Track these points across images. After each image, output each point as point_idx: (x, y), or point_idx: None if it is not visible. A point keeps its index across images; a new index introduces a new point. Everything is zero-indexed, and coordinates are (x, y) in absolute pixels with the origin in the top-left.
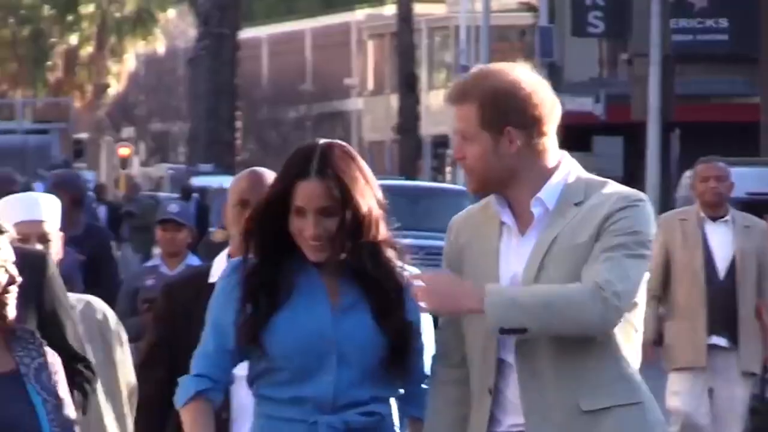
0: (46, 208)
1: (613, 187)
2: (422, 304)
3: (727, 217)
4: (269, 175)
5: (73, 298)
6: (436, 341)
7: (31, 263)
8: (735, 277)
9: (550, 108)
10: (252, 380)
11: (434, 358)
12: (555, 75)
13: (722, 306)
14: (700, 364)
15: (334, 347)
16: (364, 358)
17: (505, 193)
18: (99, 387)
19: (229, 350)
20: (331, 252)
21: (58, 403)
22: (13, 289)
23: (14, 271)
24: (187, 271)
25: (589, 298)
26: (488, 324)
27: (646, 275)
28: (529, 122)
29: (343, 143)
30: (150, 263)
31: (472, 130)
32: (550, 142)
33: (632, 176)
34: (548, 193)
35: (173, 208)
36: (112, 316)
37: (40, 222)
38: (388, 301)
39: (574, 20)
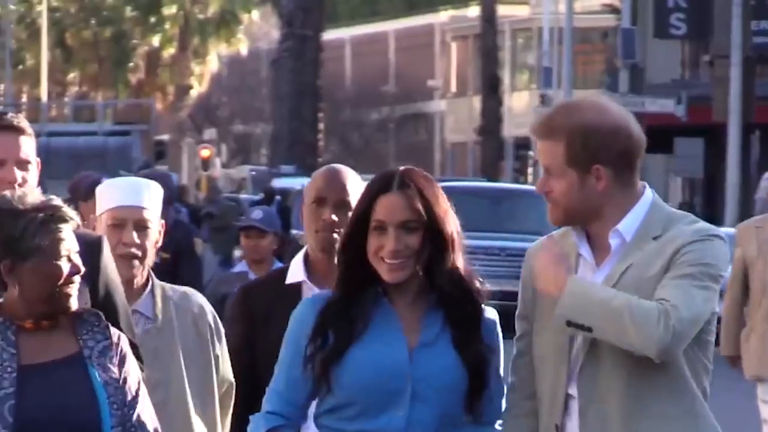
0: (148, 195)
1: (692, 223)
2: (536, 273)
3: None
4: (346, 172)
5: (169, 288)
6: (511, 372)
7: (86, 246)
8: None
9: (637, 142)
10: (318, 417)
11: (509, 389)
12: (637, 76)
13: None
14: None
15: (408, 385)
16: (442, 396)
17: (587, 226)
18: (187, 380)
19: (301, 386)
20: (410, 273)
21: (121, 385)
22: (77, 279)
23: (78, 261)
24: (265, 274)
25: (654, 318)
26: (557, 311)
27: (714, 307)
28: (616, 159)
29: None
30: (237, 269)
31: (559, 167)
32: (635, 175)
33: (713, 177)
34: (627, 225)
35: (257, 214)
36: (209, 310)
37: (141, 208)
38: (467, 327)
39: (656, 22)
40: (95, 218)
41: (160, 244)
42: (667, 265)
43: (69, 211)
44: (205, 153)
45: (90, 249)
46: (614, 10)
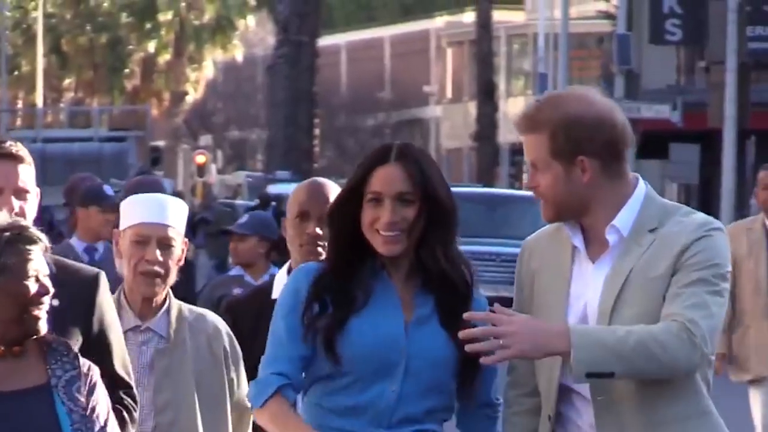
0: (173, 212)
1: (688, 214)
2: (510, 348)
3: None
4: (329, 186)
5: (186, 308)
6: (510, 369)
7: (81, 282)
8: None
9: (622, 131)
10: (308, 387)
11: (507, 385)
12: (632, 82)
13: None
14: (766, 374)
15: (403, 359)
16: (434, 373)
17: (580, 219)
18: (198, 402)
19: (300, 352)
20: (405, 247)
21: (88, 414)
22: (46, 301)
23: (48, 283)
24: (250, 289)
25: (676, 340)
26: (574, 368)
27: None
28: (601, 149)
29: None
30: (233, 272)
31: (544, 160)
32: (623, 166)
33: (708, 183)
34: (623, 219)
35: (241, 219)
36: (226, 332)
37: (165, 226)
38: (458, 308)
39: (651, 28)
40: (118, 233)
41: (182, 262)
42: (673, 264)
43: (37, 232)
44: (200, 159)
45: (85, 285)
46: (609, 16)
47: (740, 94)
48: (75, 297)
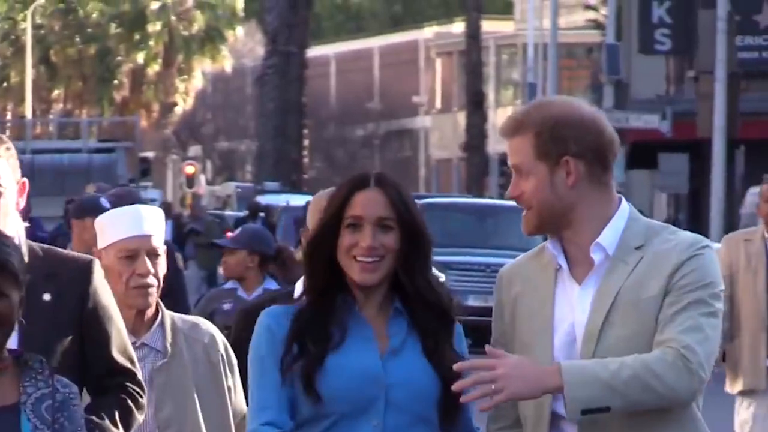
0: (153, 222)
1: (676, 233)
2: (503, 392)
3: None
4: None
5: (178, 318)
6: None
7: (73, 271)
8: None
9: (610, 140)
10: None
11: (489, 419)
12: (622, 92)
13: None
14: (759, 387)
15: (383, 392)
16: (416, 403)
17: (563, 235)
18: (201, 415)
19: (285, 396)
20: (382, 276)
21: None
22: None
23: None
24: (264, 296)
25: (672, 369)
26: (569, 406)
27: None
28: (587, 151)
29: None
30: (228, 285)
31: (528, 163)
32: (609, 177)
33: (697, 193)
34: (608, 237)
35: (235, 233)
36: (220, 339)
37: (149, 236)
38: (437, 336)
39: (641, 38)
40: (99, 252)
41: (165, 271)
42: (665, 285)
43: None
44: (189, 170)
45: (78, 273)
46: (599, 26)
47: (729, 103)
48: (66, 288)
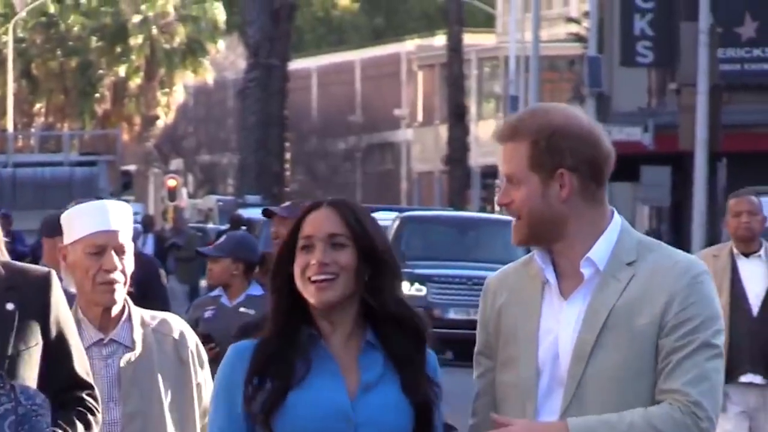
0: (120, 217)
1: (671, 253)
2: None
3: (760, 252)
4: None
5: (148, 314)
6: (472, 414)
7: (33, 283)
8: None
9: (607, 153)
10: None
11: (469, 428)
12: (603, 105)
13: (757, 342)
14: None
15: (351, 430)
16: None
17: (552, 247)
18: (167, 410)
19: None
20: (338, 296)
21: None
22: None
23: None
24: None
25: (683, 430)
26: None
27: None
28: (583, 165)
29: None
30: (214, 293)
31: (521, 171)
32: (602, 192)
33: (679, 206)
34: (599, 252)
35: (219, 241)
36: (191, 336)
37: (116, 232)
38: (413, 366)
39: (622, 50)
40: (65, 248)
41: (132, 267)
42: (661, 314)
43: None
44: (171, 183)
45: (37, 286)
46: (580, 38)
47: (711, 116)
48: (28, 299)
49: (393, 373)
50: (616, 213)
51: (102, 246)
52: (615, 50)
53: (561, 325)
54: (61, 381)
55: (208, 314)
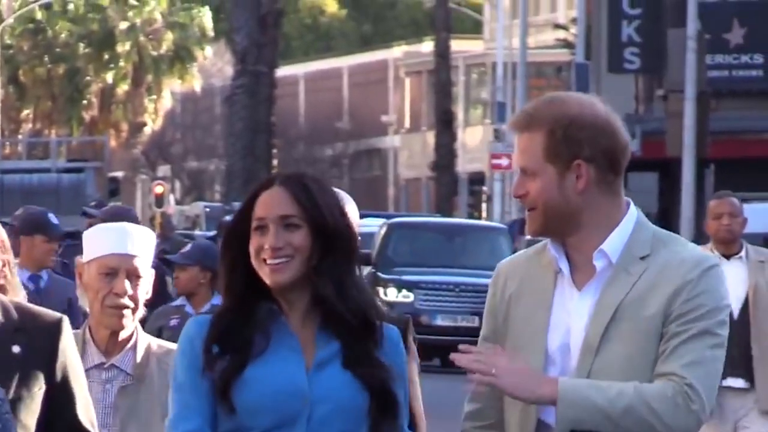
0: (139, 241)
1: (683, 247)
2: (499, 378)
3: (741, 254)
4: (341, 195)
5: (155, 343)
6: (469, 400)
7: (43, 327)
8: (749, 315)
9: (624, 144)
10: None
11: (467, 416)
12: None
13: (737, 346)
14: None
15: (306, 407)
16: (342, 420)
17: (566, 239)
18: None
19: (207, 406)
20: (294, 276)
21: None
22: None
23: None
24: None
25: (671, 407)
26: (558, 423)
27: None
28: (600, 156)
29: None
30: (176, 302)
31: (537, 162)
32: (619, 183)
33: (666, 212)
34: (613, 244)
35: (185, 248)
36: None
37: (131, 256)
38: (361, 345)
39: (610, 57)
40: (81, 265)
41: (150, 294)
42: (667, 304)
43: None
44: (158, 190)
45: (47, 331)
46: (568, 44)
47: (699, 122)
48: (37, 343)
49: (343, 352)
50: (632, 205)
51: (114, 269)
52: (602, 56)
53: (572, 317)
54: (61, 428)
55: (173, 323)
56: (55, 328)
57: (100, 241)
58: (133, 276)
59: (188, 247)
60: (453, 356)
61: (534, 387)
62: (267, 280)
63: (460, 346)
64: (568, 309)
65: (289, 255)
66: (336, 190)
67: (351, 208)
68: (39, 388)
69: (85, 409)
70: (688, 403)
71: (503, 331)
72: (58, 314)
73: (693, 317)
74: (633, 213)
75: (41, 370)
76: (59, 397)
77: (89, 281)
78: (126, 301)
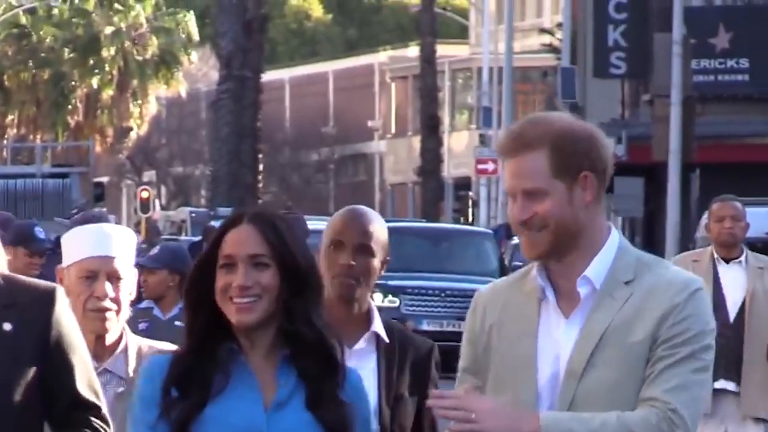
0: (119, 242)
1: (667, 270)
2: (481, 424)
3: (741, 258)
4: (369, 215)
5: (145, 344)
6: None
7: (35, 299)
8: (744, 320)
9: (608, 153)
10: None
11: None
12: (577, 116)
13: (731, 349)
14: (705, 411)
15: None
16: None
17: (559, 262)
18: None
19: None
20: (261, 317)
21: None
22: None
23: None
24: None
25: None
26: None
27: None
28: (600, 167)
29: None
30: (143, 305)
31: (544, 182)
32: (603, 198)
33: (652, 216)
34: (596, 270)
35: (152, 251)
36: None
37: (111, 258)
38: (322, 384)
39: (596, 61)
40: (62, 271)
41: (134, 296)
42: (654, 330)
43: None
44: (144, 195)
45: (40, 302)
46: (554, 49)
47: (685, 127)
48: (28, 315)
49: (303, 390)
50: (613, 229)
51: (94, 271)
52: (588, 61)
53: (561, 345)
54: (63, 400)
55: (142, 326)
56: (49, 298)
57: (78, 244)
58: (114, 278)
59: (156, 249)
60: (429, 403)
61: (516, 425)
62: (232, 319)
63: (434, 392)
64: (556, 337)
65: (257, 294)
66: (364, 208)
67: (378, 228)
68: (34, 365)
69: (87, 380)
70: (672, 428)
71: (485, 361)
72: (51, 284)
73: (679, 341)
74: (615, 237)
75: (34, 344)
76: (56, 370)
77: (70, 286)
78: (108, 303)
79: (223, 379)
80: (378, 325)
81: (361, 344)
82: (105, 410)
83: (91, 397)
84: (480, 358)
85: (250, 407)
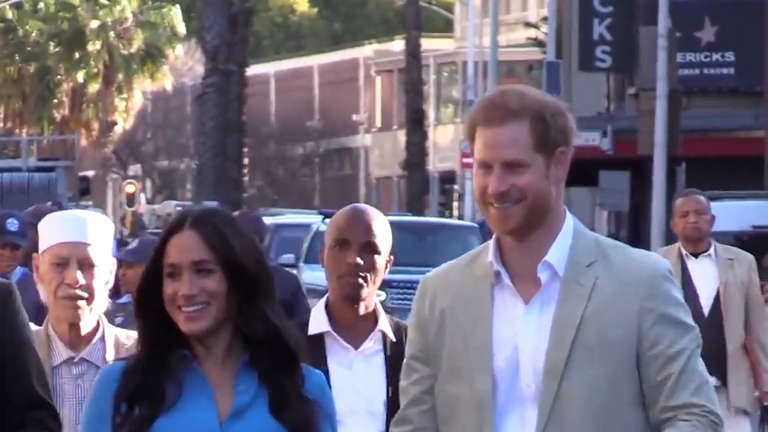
0: (94, 229)
1: (630, 255)
2: None
3: (710, 252)
4: (371, 212)
5: (123, 334)
6: (399, 423)
7: None
8: (720, 313)
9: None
10: None
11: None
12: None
13: (710, 343)
14: None
15: None
16: None
17: (523, 238)
18: None
19: None
20: (211, 323)
21: None
22: None
23: None
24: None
25: None
26: None
27: None
28: (571, 145)
29: None
30: (122, 300)
31: (526, 154)
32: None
33: (638, 210)
34: (556, 256)
35: (131, 245)
36: None
37: (84, 244)
38: (285, 386)
39: (581, 55)
40: (37, 257)
41: (111, 284)
42: (636, 323)
43: None
44: (130, 189)
45: None
46: (539, 43)
47: (670, 120)
48: None
49: (266, 395)
50: (568, 212)
51: (65, 258)
52: (573, 55)
53: (520, 333)
54: (19, 399)
55: (119, 321)
56: (3, 295)
57: (51, 230)
58: (87, 265)
59: (134, 243)
60: None
61: None
62: (183, 327)
63: None
64: (514, 323)
65: (204, 302)
66: (366, 206)
67: (382, 225)
68: None
69: (40, 379)
70: (716, 429)
71: (436, 349)
72: (5, 281)
73: (674, 336)
74: (570, 220)
75: None
76: (11, 369)
77: (44, 272)
78: (79, 291)
79: (176, 389)
80: (384, 324)
81: (368, 344)
82: (57, 411)
83: (45, 396)
84: (430, 346)
85: (203, 417)
